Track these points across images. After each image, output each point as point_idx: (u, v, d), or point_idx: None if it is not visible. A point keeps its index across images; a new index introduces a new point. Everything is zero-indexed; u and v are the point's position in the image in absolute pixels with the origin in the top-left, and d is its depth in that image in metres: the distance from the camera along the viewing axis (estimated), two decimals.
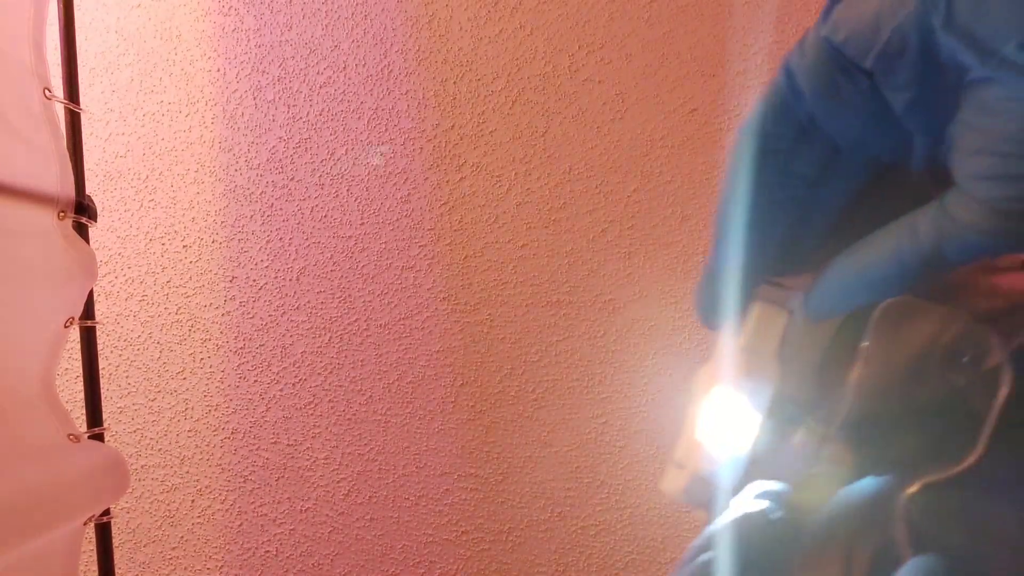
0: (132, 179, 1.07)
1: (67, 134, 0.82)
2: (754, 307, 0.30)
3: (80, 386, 0.91)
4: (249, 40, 1.04)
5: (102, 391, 0.91)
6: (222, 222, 1.06)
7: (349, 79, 1.04)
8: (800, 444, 0.29)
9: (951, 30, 0.22)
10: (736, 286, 0.30)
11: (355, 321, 1.06)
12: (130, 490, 1.09)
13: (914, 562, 0.24)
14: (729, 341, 0.31)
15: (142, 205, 1.07)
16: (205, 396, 1.08)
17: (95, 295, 0.91)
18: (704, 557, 0.26)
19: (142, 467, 1.10)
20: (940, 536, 0.23)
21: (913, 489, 0.25)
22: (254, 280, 1.07)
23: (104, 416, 0.91)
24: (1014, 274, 0.29)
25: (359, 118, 1.04)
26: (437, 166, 1.04)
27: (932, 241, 0.25)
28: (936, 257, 0.25)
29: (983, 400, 0.24)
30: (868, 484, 0.27)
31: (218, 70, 1.05)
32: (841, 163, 0.28)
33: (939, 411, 0.26)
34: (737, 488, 0.30)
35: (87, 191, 0.84)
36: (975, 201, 0.24)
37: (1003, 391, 0.25)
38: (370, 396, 1.07)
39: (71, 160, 0.81)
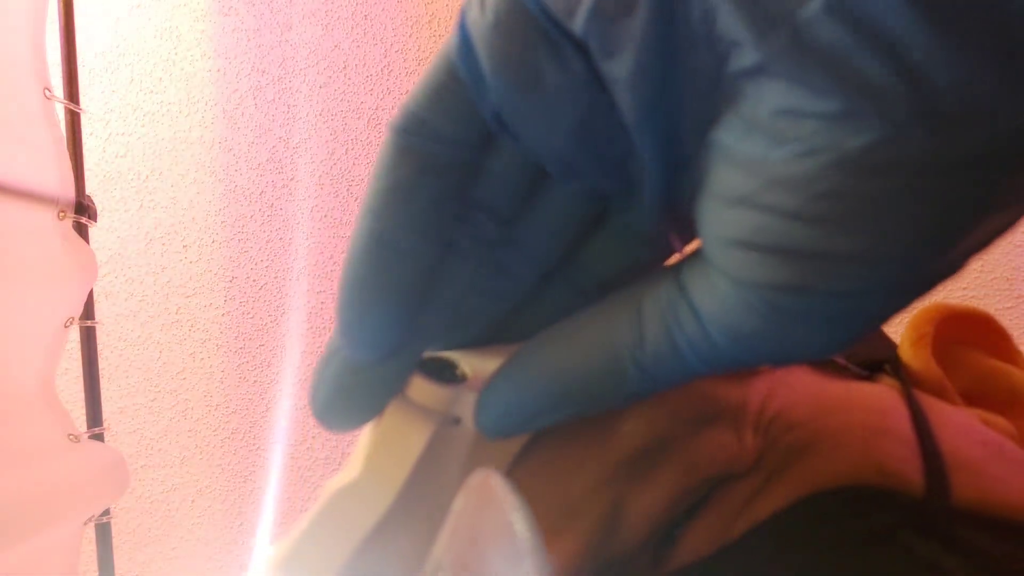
0: (132, 179, 1.07)
1: (67, 134, 0.82)
2: (389, 411, 0.20)
3: (80, 386, 0.91)
4: (249, 40, 1.04)
5: (102, 391, 0.91)
6: (222, 222, 1.06)
7: (349, 79, 1.04)
8: None
9: None
10: (370, 371, 0.20)
11: None
12: (130, 490, 1.09)
13: None
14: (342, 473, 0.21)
15: (142, 205, 1.07)
16: (205, 396, 1.08)
17: (95, 295, 0.91)
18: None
19: (142, 467, 1.10)
20: None
21: None
22: (254, 280, 1.07)
23: (104, 416, 0.91)
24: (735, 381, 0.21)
25: (359, 118, 1.04)
26: None
27: (661, 343, 0.16)
28: (668, 366, 0.17)
29: None
30: None
31: (218, 70, 1.05)
32: (548, 194, 0.18)
33: None
34: None
35: (87, 191, 0.84)
36: (730, 283, 0.15)
37: None
38: None
39: (71, 160, 0.81)
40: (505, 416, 0.19)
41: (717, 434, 0.20)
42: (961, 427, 0.22)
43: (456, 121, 0.17)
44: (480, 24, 0.15)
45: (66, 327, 0.81)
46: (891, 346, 0.26)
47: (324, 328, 1.06)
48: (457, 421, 0.20)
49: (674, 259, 0.19)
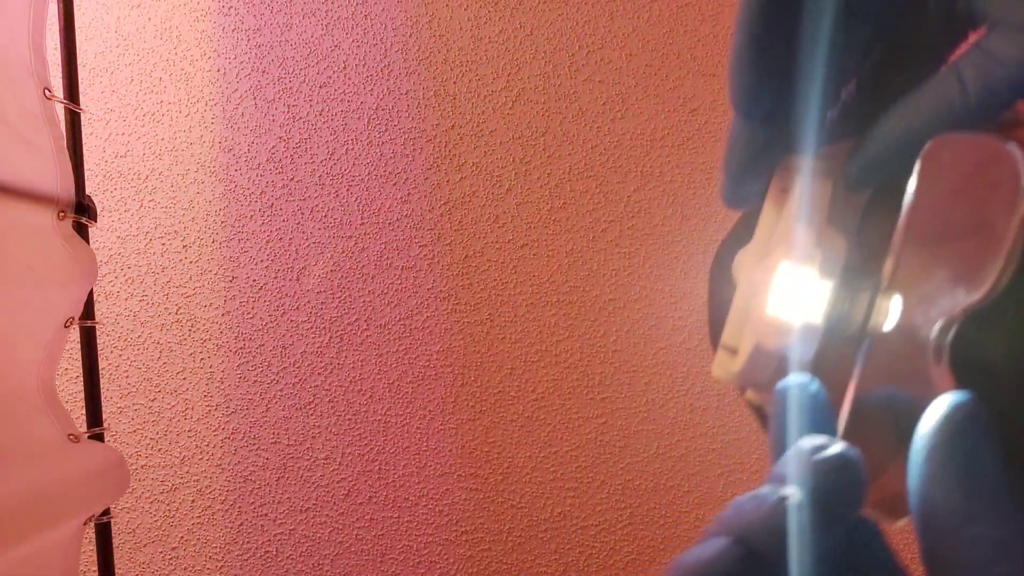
0: (132, 179, 1.07)
1: (67, 134, 0.82)
2: (794, 177, 0.28)
3: (80, 386, 0.91)
4: (249, 40, 1.04)
5: (102, 391, 0.91)
6: (222, 222, 1.06)
7: (349, 79, 1.04)
8: (859, 304, 0.27)
9: None
10: (770, 156, 0.27)
11: (355, 321, 1.06)
12: (130, 490, 1.09)
13: (953, 406, 0.21)
14: (770, 215, 0.29)
15: (142, 205, 1.07)
16: (205, 396, 1.08)
17: (95, 295, 0.91)
18: (780, 494, 0.22)
19: (142, 467, 1.10)
20: (982, 372, 0.22)
21: (944, 323, 0.23)
22: (254, 280, 1.07)
23: (104, 416, 0.91)
24: None
25: (359, 118, 1.04)
26: (437, 166, 1.04)
27: (980, 88, 0.23)
28: (986, 104, 0.23)
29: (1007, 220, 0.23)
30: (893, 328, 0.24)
31: (218, 70, 1.05)
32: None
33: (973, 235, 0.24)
34: (805, 359, 0.27)
35: (87, 191, 0.84)
36: (1021, 31, 0.22)
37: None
38: (370, 396, 1.07)
39: (71, 160, 0.81)
40: (869, 169, 0.26)
41: None
42: None
43: None
44: None
45: (66, 327, 0.81)
46: None
47: (324, 328, 1.06)
48: (835, 181, 0.27)
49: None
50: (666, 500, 1.06)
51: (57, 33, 0.82)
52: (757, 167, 0.28)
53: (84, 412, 0.89)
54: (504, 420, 1.07)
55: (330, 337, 1.07)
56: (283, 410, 1.08)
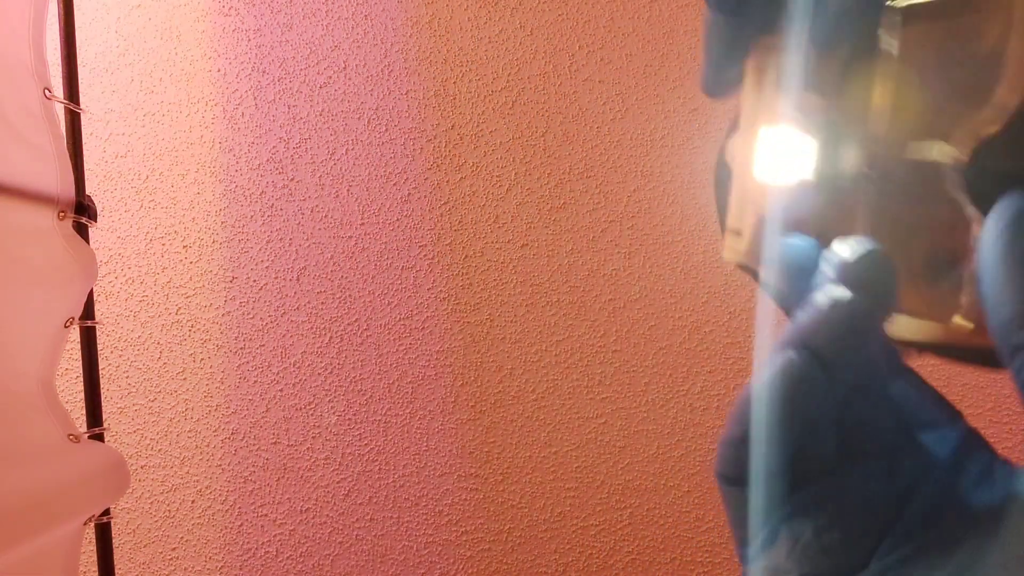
0: (132, 179, 1.07)
1: (67, 134, 0.82)
2: (770, 54, 0.28)
3: (80, 386, 0.91)
4: (249, 40, 1.04)
5: (102, 391, 0.91)
6: (222, 222, 1.06)
7: (349, 79, 1.04)
8: (851, 154, 0.27)
9: None
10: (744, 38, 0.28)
11: (355, 321, 1.06)
12: (130, 490, 1.09)
13: (1008, 200, 0.21)
14: (751, 95, 0.29)
15: (142, 205, 1.07)
16: (205, 397, 1.08)
17: (95, 295, 0.91)
18: (831, 295, 0.24)
19: (142, 467, 1.10)
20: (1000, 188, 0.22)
21: (960, 156, 0.23)
22: (254, 280, 1.07)
23: (104, 416, 0.91)
24: None
25: (359, 118, 1.04)
26: (437, 166, 1.04)
27: None
28: None
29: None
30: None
31: (218, 70, 1.05)
32: None
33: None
34: (804, 218, 0.28)
35: (87, 191, 0.84)
36: None
37: None
38: (370, 396, 1.07)
39: (71, 160, 0.81)
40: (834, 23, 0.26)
41: None
42: None
43: None
44: None
45: (66, 327, 0.81)
46: None
47: (324, 328, 1.06)
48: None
49: None
50: (666, 500, 1.06)
51: (57, 33, 0.83)
52: (733, 53, 0.28)
53: (84, 412, 0.89)
54: (504, 420, 1.07)
55: (330, 337, 1.07)
56: (283, 411, 1.08)
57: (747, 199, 0.30)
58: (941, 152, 0.24)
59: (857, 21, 0.26)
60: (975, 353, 0.24)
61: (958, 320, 0.24)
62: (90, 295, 0.86)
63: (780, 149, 0.28)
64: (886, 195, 0.26)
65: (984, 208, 0.22)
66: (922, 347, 0.26)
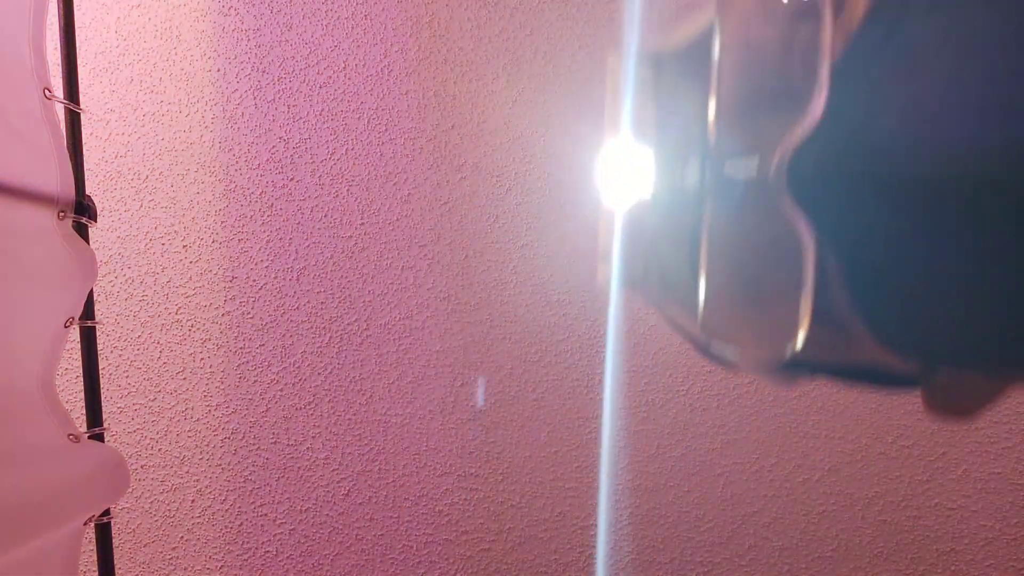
0: (132, 179, 1.07)
1: (67, 134, 0.82)
2: (617, 74, 0.31)
3: (80, 386, 0.91)
4: (249, 40, 1.04)
5: (102, 391, 0.91)
6: (222, 222, 1.06)
7: (349, 79, 1.04)
8: (693, 173, 0.29)
9: None
10: None
11: (355, 321, 1.06)
12: (130, 490, 1.09)
13: None
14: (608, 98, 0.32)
15: (142, 205, 1.07)
16: (205, 396, 1.08)
17: (95, 295, 0.91)
18: None
19: (142, 467, 1.10)
20: (815, 189, 0.24)
21: (780, 155, 0.25)
22: (254, 280, 1.07)
23: (104, 416, 0.91)
24: None
25: (359, 118, 1.04)
26: (437, 166, 1.04)
27: None
28: None
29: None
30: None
31: (218, 70, 1.05)
32: None
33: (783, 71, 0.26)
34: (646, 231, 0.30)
35: (87, 191, 0.84)
36: None
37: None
38: (370, 396, 1.07)
39: (71, 160, 0.81)
40: None
41: None
42: None
43: None
44: None
45: (66, 327, 0.81)
46: None
47: (324, 328, 1.06)
48: None
49: None
50: (666, 500, 1.07)
51: (57, 33, 0.82)
52: None
53: (84, 412, 0.89)
54: (504, 420, 1.07)
55: (330, 337, 1.07)
56: (283, 410, 1.08)
57: (607, 225, 0.32)
58: (762, 165, 0.26)
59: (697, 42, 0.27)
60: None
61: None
62: (90, 295, 0.86)
63: (625, 159, 0.30)
64: (718, 212, 0.28)
65: (808, 214, 0.23)
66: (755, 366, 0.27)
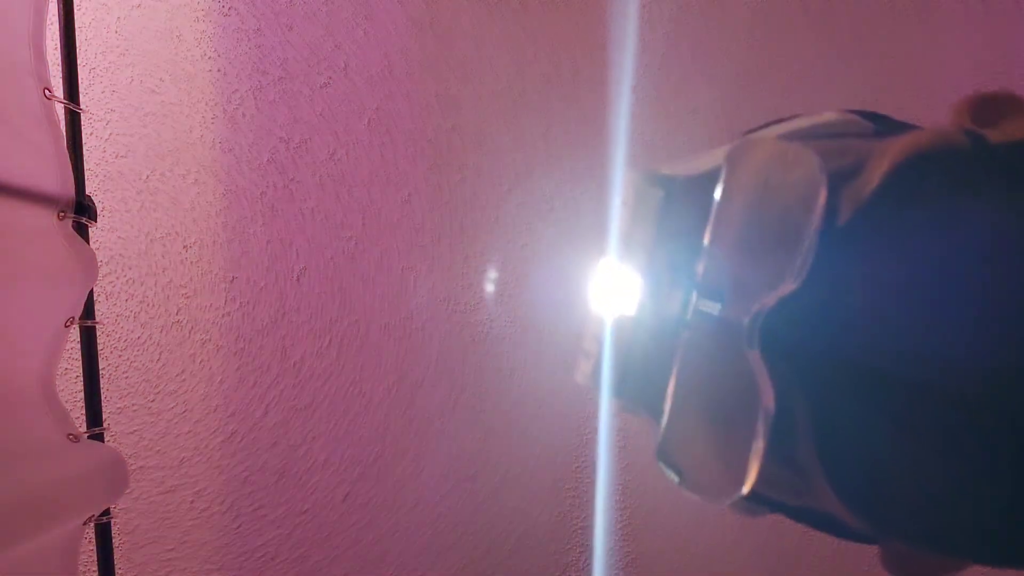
0: (133, 179, 1.06)
1: (67, 134, 0.82)
2: (629, 188, 0.32)
3: (80, 386, 0.91)
4: (249, 40, 1.04)
5: (102, 391, 0.91)
6: (223, 223, 1.06)
7: (350, 80, 1.04)
8: (678, 300, 0.31)
9: None
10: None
11: (355, 323, 1.06)
12: (129, 490, 1.09)
13: None
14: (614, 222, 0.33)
15: (143, 206, 1.07)
16: (204, 398, 1.08)
17: (95, 295, 0.91)
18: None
19: (141, 468, 1.09)
20: (788, 357, 0.26)
21: (755, 313, 0.26)
22: (254, 281, 1.07)
23: (104, 416, 0.91)
24: None
25: (360, 119, 1.04)
26: (438, 167, 1.04)
27: None
28: None
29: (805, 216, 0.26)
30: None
31: (218, 70, 1.05)
32: None
33: (777, 238, 0.27)
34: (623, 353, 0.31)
35: (87, 191, 0.84)
36: None
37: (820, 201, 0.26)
38: (370, 398, 1.07)
39: (71, 160, 0.81)
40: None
41: None
42: None
43: None
44: None
45: (66, 327, 0.81)
46: None
47: (324, 329, 1.06)
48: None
49: None
50: (666, 500, 1.06)
51: (57, 33, 0.82)
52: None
53: (84, 412, 0.89)
54: (504, 421, 1.07)
55: (330, 339, 1.07)
56: (282, 412, 1.08)
57: (593, 327, 0.34)
58: (737, 311, 0.27)
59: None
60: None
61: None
62: (90, 295, 0.86)
63: (609, 280, 0.32)
64: (695, 344, 0.29)
65: (774, 377, 0.25)
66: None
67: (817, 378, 0.26)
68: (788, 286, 0.26)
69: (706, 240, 0.29)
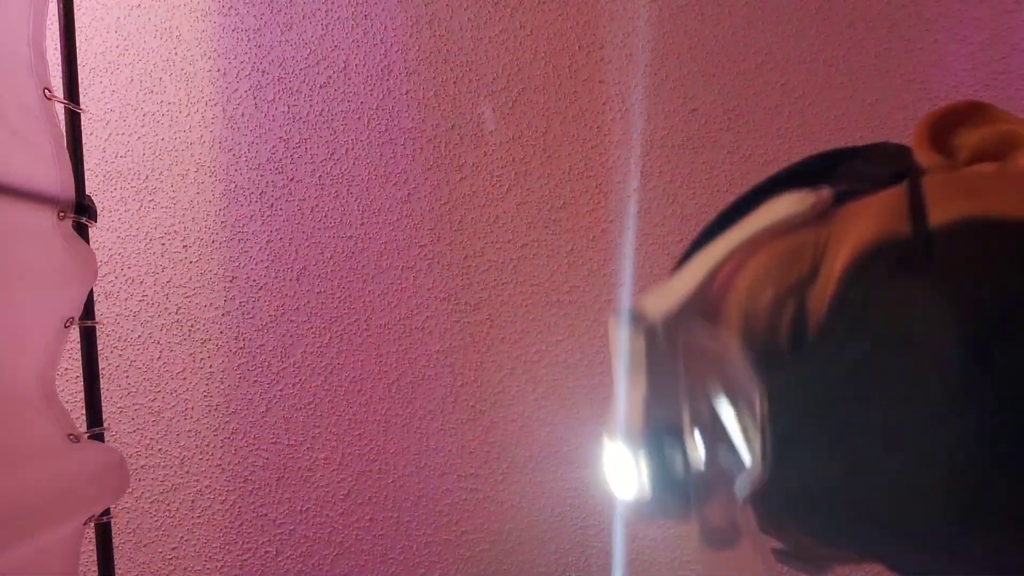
0: (132, 179, 1.07)
1: (67, 134, 0.82)
2: (620, 336, 0.32)
3: (80, 386, 0.91)
4: (249, 40, 1.04)
5: (102, 391, 0.91)
6: (222, 222, 1.06)
7: (349, 79, 1.04)
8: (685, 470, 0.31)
9: None
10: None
11: (355, 321, 1.06)
12: (130, 490, 1.09)
13: None
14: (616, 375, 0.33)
15: (142, 205, 1.07)
16: (205, 397, 1.08)
17: (95, 295, 0.91)
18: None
19: (142, 467, 1.09)
20: (778, 527, 0.27)
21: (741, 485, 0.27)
22: (254, 280, 1.07)
23: (104, 416, 0.91)
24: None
25: (359, 118, 1.04)
26: (437, 166, 1.04)
27: None
28: None
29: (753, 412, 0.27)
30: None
31: (218, 70, 1.05)
32: None
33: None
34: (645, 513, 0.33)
35: (87, 191, 0.84)
36: None
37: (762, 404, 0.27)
38: (370, 396, 1.07)
39: (71, 160, 0.81)
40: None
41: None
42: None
43: None
44: None
45: (66, 327, 0.81)
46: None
47: (324, 328, 1.06)
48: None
49: None
50: None
51: (57, 33, 0.82)
52: None
53: (84, 412, 0.89)
54: (503, 420, 1.07)
55: (330, 337, 1.07)
56: (283, 410, 1.08)
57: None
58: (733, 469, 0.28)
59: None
60: None
61: None
62: (90, 295, 0.86)
63: (616, 447, 0.33)
64: (700, 506, 0.30)
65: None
66: None
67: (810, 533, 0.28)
68: (757, 471, 0.27)
69: (683, 394, 0.31)
